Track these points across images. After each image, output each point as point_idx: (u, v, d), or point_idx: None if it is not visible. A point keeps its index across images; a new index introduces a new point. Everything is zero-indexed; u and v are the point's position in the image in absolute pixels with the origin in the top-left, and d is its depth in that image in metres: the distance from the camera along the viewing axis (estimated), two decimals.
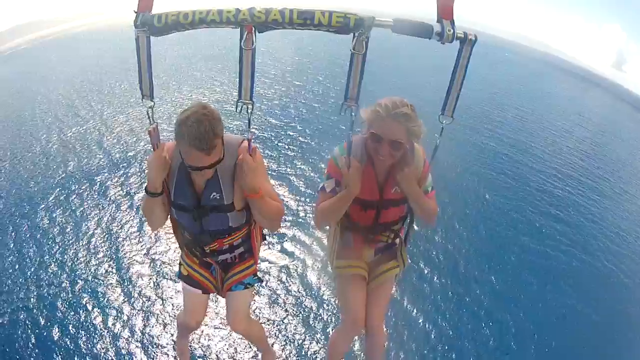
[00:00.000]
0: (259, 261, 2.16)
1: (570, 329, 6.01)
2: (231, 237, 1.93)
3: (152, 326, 5.22)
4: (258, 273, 2.14)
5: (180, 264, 2.12)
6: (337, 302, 2.05)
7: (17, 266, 6.24)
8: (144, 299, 5.63)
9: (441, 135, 1.65)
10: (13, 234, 6.98)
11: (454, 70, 1.54)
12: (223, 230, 1.88)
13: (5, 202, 7.98)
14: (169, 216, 1.90)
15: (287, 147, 10.54)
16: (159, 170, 1.67)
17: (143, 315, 5.37)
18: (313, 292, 5.92)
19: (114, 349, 4.94)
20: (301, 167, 9.42)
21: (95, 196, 8.10)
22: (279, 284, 6.01)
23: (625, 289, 7.14)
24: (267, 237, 2.33)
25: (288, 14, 1.26)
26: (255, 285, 2.17)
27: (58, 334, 5.11)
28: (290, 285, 6.01)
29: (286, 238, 6.92)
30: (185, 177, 1.75)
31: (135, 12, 1.44)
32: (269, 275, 6.14)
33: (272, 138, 10.94)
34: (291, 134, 11.38)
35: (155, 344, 5.00)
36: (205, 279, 2.06)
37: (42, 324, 5.23)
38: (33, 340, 5.00)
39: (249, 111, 1.54)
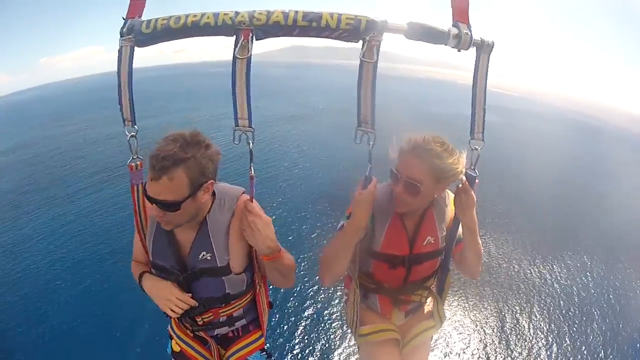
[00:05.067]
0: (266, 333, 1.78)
1: None
2: (229, 306, 1.56)
3: None
4: (266, 347, 1.79)
5: (170, 337, 1.76)
6: None
7: None
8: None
9: (476, 165, 1.41)
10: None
11: (474, 84, 1.38)
12: (218, 299, 1.53)
13: None
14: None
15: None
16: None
17: None
18: None
19: None
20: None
21: None
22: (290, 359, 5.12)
23: None
24: (273, 304, 1.94)
25: (292, 15, 1.11)
26: None
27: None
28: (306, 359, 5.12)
29: (298, 300, 6.02)
30: (165, 232, 1.42)
31: (124, 19, 1.30)
32: (279, 348, 5.20)
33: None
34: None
35: None
36: (202, 356, 1.69)
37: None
38: None
39: (251, 142, 1.22)
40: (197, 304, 1.52)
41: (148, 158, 1.26)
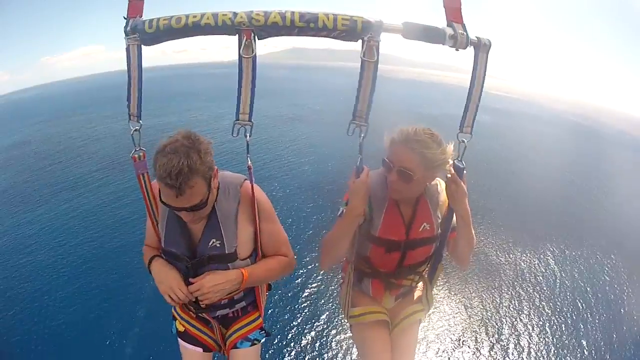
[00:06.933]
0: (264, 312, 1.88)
1: None
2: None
3: None
4: (264, 326, 1.86)
5: (174, 318, 1.82)
6: (357, 357, 1.81)
7: None
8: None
9: (463, 156, 1.46)
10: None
11: (471, 81, 1.41)
12: None
13: None
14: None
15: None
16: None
17: None
18: (328, 346, 5.22)
19: None
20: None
21: None
22: (288, 338, 5.29)
23: None
24: (272, 286, 2.01)
25: (289, 16, 1.14)
26: (262, 340, 1.88)
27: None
28: (302, 339, 5.28)
29: (295, 284, 6.27)
30: (177, 221, 1.48)
31: (125, 18, 1.33)
32: (277, 327, 5.42)
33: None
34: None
35: None
36: (205, 334, 1.78)
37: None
38: None
39: (248, 134, 1.30)
40: (195, 301, 1.55)
41: (157, 178, 1.29)
